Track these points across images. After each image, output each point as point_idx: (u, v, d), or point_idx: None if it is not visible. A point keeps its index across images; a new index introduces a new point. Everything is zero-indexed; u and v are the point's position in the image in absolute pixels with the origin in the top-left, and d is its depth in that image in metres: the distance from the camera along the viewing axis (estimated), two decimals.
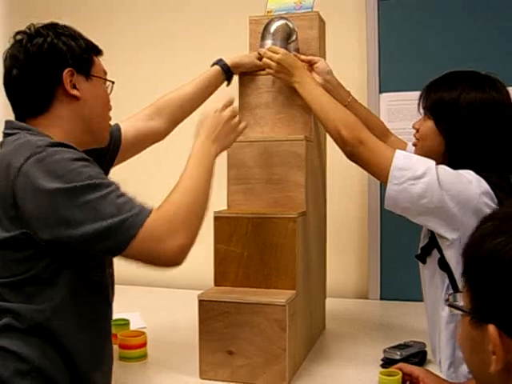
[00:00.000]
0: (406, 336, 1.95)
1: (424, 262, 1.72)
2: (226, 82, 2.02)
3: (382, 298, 2.67)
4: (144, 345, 1.91)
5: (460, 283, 1.46)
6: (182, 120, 1.94)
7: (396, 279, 2.63)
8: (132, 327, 2.11)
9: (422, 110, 1.76)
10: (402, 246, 2.55)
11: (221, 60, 2.00)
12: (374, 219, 2.68)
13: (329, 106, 1.77)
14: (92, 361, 1.41)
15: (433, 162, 1.57)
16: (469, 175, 1.56)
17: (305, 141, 1.82)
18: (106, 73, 1.55)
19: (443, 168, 1.58)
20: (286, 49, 1.92)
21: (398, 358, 1.77)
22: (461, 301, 0.93)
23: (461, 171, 1.58)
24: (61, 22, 1.50)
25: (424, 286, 1.77)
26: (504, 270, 0.82)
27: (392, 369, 1.60)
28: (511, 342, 0.82)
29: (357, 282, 2.78)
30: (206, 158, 1.51)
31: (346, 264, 2.78)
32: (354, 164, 2.72)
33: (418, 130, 1.77)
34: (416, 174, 1.56)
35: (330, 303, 2.30)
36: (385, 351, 1.82)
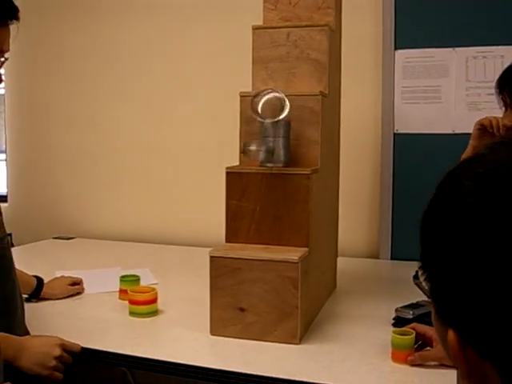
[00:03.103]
0: (418, 296, 1.92)
1: None
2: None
3: (392, 258, 2.65)
4: (154, 301, 1.90)
5: None
6: None
7: (407, 239, 2.60)
8: (142, 283, 2.10)
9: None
10: (413, 206, 2.52)
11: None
12: (386, 178, 2.64)
13: None
14: None
15: None
16: None
17: (320, 96, 1.78)
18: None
19: None
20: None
21: (410, 317, 1.75)
22: None
23: None
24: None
25: None
26: (469, 263, 0.59)
27: (405, 328, 1.59)
28: (476, 354, 0.60)
29: (368, 242, 2.76)
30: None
31: (357, 223, 2.75)
32: (368, 121, 2.70)
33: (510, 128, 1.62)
34: None
35: (340, 262, 2.28)
36: (397, 310, 1.80)
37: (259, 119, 1.70)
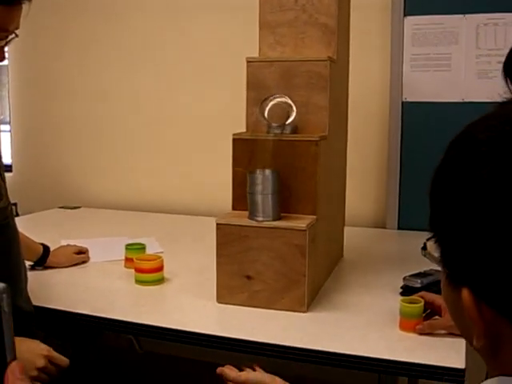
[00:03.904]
0: (426, 265, 1.90)
1: None
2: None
3: (399, 228, 2.63)
4: (160, 269, 1.89)
5: None
6: None
7: (414, 209, 2.58)
8: (148, 252, 2.09)
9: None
10: (421, 176, 2.49)
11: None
12: (394, 147, 2.61)
13: None
14: None
15: None
16: None
17: (328, 61, 1.74)
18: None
19: None
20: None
21: (418, 286, 1.73)
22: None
23: None
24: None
25: None
26: (483, 211, 0.58)
27: (414, 297, 1.57)
28: (492, 312, 0.60)
29: (374, 211, 2.73)
30: None
31: (364, 193, 2.73)
32: (375, 89, 2.66)
33: None
34: None
35: (346, 232, 2.26)
36: (405, 279, 1.79)
37: (266, 123, 1.70)
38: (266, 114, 1.69)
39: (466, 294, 0.61)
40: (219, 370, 1.30)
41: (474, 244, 0.60)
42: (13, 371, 0.63)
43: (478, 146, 0.61)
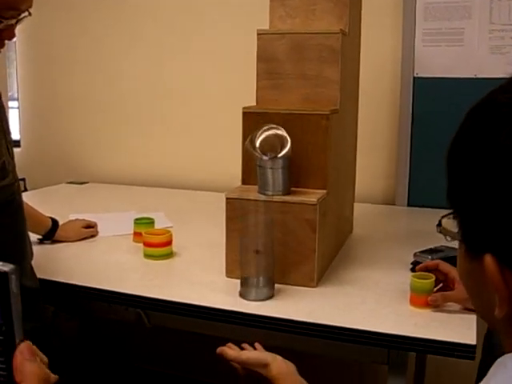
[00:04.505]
0: (436, 241, 1.89)
1: None
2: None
3: (409, 205, 2.61)
4: (169, 243, 1.88)
5: None
6: None
7: (425, 185, 2.57)
8: (157, 227, 2.08)
9: None
10: (432, 152, 2.48)
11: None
12: (405, 123, 2.58)
13: None
14: None
15: None
16: None
17: (340, 34, 1.71)
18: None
19: None
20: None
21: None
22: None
23: None
24: None
25: None
26: (502, 173, 0.58)
27: (425, 272, 1.56)
28: None
29: (384, 188, 2.71)
30: None
31: (374, 169, 2.71)
32: (387, 63, 2.63)
33: None
34: None
35: (356, 208, 2.24)
36: (415, 255, 1.78)
37: (257, 155, 1.62)
38: (257, 145, 1.62)
39: (488, 260, 0.60)
40: (219, 349, 1.29)
41: (497, 208, 0.58)
42: (22, 352, 0.63)
43: (499, 108, 0.60)
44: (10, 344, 0.63)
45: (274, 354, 1.24)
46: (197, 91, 2.99)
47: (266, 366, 1.21)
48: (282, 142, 1.61)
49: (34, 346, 0.66)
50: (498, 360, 0.64)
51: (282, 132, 1.62)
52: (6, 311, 0.62)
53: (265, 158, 1.60)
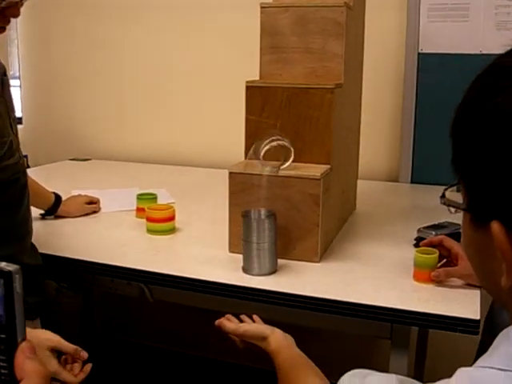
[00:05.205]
0: (440, 217, 1.89)
1: None
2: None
3: (412, 182, 2.60)
4: (172, 218, 1.87)
5: None
6: None
7: (428, 162, 2.55)
8: (159, 202, 2.07)
9: None
10: (436, 129, 2.46)
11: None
12: (409, 100, 2.56)
13: None
14: None
15: None
16: None
17: (345, 7, 1.69)
18: None
19: None
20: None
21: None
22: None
23: None
24: None
25: None
26: (509, 136, 0.57)
27: (429, 248, 1.55)
28: None
29: (388, 165, 2.70)
30: None
31: (378, 145, 2.69)
32: (391, 39, 2.61)
33: None
34: None
35: (359, 185, 2.23)
36: (419, 231, 1.77)
37: (261, 165, 1.61)
38: (261, 156, 1.61)
39: (496, 227, 0.59)
40: (218, 321, 1.29)
41: (504, 172, 0.58)
42: (23, 350, 0.64)
43: (505, 73, 0.60)
44: (12, 342, 0.65)
45: (272, 327, 1.24)
46: (200, 67, 2.96)
47: (264, 338, 1.21)
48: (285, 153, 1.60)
49: (35, 345, 0.67)
50: (502, 332, 0.63)
51: (286, 143, 1.60)
52: (10, 310, 0.64)
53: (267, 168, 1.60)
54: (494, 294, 0.68)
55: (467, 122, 0.63)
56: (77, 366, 1.26)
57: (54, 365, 1.22)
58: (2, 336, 0.64)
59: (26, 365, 0.63)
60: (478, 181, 0.62)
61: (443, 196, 0.74)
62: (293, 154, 1.61)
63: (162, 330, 3.12)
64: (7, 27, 1.41)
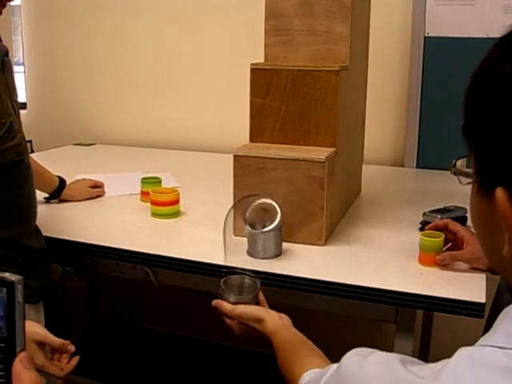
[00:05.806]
0: (446, 201, 1.88)
1: None
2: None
3: (418, 167, 2.59)
4: (177, 202, 1.87)
5: None
6: None
7: (434, 147, 2.54)
8: (164, 186, 2.07)
9: None
10: (442, 114, 2.45)
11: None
12: (415, 84, 2.54)
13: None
14: None
15: None
16: None
17: None
18: None
19: None
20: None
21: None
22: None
23: None
24: None
25: None
26: None
27: (434, 231, 1.54)
28: None
29: (393, 149, 2.69)
30: None
31: (383, 130, 2.68)
32: (397, 22, 2.58)
33: None
34: None
35: (364, 169, 2.23)
36: (424, 214, 1.76)
37: (247, 226, 1.57)
38: (246, 216, 1.56)
39: (500, 194, 0.60)
40: (215, 302, 1.29)
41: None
42: (21, 360, 0.65)
43: None
44: (11, 352, 0.65)
45: (268, 309, 1.24)
46: (204, 50, 2.95)
47: (260, 320, 1.22)
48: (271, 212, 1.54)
49: (31, 356, 0.68)
50: (504, 310, 0.64)
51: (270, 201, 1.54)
52: (10, 320, 0.64)
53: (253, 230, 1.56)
54: (499, 267, 0.69)
55: (479, 88, 0.64)
56: (64, 358, 1.27)
57: (40, 358, 1.23)
58: (2, 345, 0.65)
59: (24, 374, 0.64)
60: (486, 145, 0.63)
61: (454, 166, 0.74)
62: (279, 213, 1.53)
63: (167, 314, 3.13)
64: (9, 15, 1.40)
